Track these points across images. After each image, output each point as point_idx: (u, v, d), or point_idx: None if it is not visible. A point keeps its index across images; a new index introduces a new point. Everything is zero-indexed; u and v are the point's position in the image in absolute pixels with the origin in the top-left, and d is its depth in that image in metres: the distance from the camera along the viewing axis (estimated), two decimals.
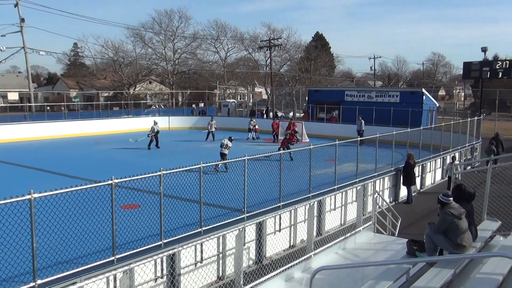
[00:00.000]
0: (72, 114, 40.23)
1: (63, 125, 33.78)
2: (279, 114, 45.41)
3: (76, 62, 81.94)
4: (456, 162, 21.01)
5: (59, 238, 8.27)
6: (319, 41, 76.80)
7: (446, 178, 20.38)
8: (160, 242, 8.94)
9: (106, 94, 64.93)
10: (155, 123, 26.27)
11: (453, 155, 22.41)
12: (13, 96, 77.86)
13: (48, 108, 46.76)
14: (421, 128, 21.25)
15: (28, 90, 50.94)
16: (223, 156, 18.84)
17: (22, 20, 45.25)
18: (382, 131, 18.52)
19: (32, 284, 7.09)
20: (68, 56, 79.92)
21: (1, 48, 44.95)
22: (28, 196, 6.96)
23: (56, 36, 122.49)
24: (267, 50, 58.98)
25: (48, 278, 7.30)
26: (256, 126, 32.73)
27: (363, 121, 29.10)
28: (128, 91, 63.57)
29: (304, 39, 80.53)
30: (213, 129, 30.66)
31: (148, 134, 25.88)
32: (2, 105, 59.57)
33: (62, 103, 42.79)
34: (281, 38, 63.71)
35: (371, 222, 12.03)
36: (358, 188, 14.36)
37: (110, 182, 8.10)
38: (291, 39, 69.94)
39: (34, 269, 7.13)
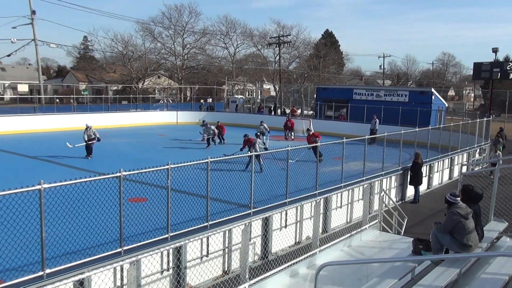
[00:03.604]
0: (81, 107, 40.39)
1: (72, 118, 33.94)
2: (287, 111, 45.35)
3: (85, 55, 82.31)
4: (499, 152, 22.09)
5: (67, 229, 8.36)
6: (328, 38, 76.67)
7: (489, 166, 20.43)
8: (167, 235, 9.01)
9: (115, 88, 65.23)
10: (88, 127, 20.63)
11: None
12: (23, 88, 78.30)
13: (58, 100, 47.08)
14: (430, 128, 21.17)
15: (38, 82, 51.22)
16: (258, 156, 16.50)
17: (33, 12, 45.45)
18: (390, 130, 18.50)
19: (40, 273, 7.18)
20: (77, 49, 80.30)
21: (12, 40, 45.19)
22: (38, 187, 7.04)
23: (66, 29, 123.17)
24: (276, 46, 58.99)
25: (56, 268, 7.39)
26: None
27: (377, 121, 28.97)
28: (137, 85, 63.74)
29: (313, 37, 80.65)
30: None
31: (86, 141, 20.58)
32: (12, 96, 60.05)
33: (71, 96, 42.98)
34: (290, 35, 63.79)
35: (377, 221, 12.06)
36: (365, 186, 14.36)
37: (118, 174, 8.17)
38: (300, 36, 69.87)
39: (43, 259, 7.22)
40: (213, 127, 25.53)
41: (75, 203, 8.32)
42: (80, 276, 7.02)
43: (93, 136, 20.63)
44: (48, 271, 7.24)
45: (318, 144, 15.65)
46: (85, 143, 20.55)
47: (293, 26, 69.53)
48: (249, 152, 18.93)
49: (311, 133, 23.00)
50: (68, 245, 8.27)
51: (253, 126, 35.89)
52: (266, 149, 18.61)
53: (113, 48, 67.61)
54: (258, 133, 22.82)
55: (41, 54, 48.97)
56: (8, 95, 66.64)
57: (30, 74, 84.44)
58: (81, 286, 7.37)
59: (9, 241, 8.31)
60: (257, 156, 16.77)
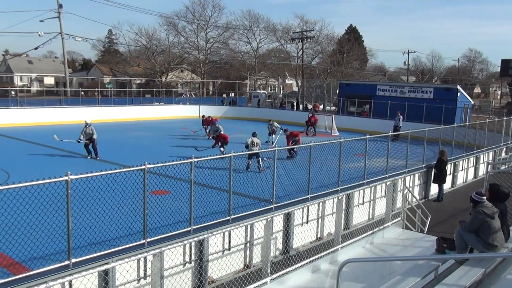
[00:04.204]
0: (105, 100, 40.97)
1: (96, 110, 34.49)
2: (309, 106, 45.18)
3: (110, 48, 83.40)
4: None
5: (92, 219, 8.50)
6: (352, 34, 75.90)
7: None
8: (190, 228, 9.09)
9: (138, 81, 65.97)
10: (87, 124, 19.30)
11: None
12: (49, 80, 79.89)
13: (83, 93, 47.85)
14: (455, 125, 20.84)
15: (63, 75, 52.06)
16: (255, 155, 16.78)
17: (60, 6, 46.11)
18: (414, 127, 18.26)
19: (66, 262, 7.33)
20: (102, 43, 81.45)
21: (39, 33, 45.98)
22: (65, 178, 7.17)
23: (91, 22, 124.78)
24: (299, 42, 58.67)
25: (81, 257, 7.52)
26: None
27: (401, 117, 28.65)
28: (160, 79, 64.27)
29: (337, 32, 79.93)
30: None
31: (79, 139, 19.20)
32: (39, 89, 61.18)
33: (96, 89, 43.61)
34: (313, 30, 63.33)
35: (400, 218, 11.95)
36: (388, 183, 14.23)
37: (143, 167, 8.27)
38: (323, 31, 69.36)
39: (69, 249, 7.36)
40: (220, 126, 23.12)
41: (100, 194, 8.46)
42: (106, 266, 7.15)
43: (91, 134, 18.99)
44: (74, 260, 7.38)
45: (296, 146, 15.68)
46: (78, 141, 19.09)
47: (316, 21, 68.90)
48: (221, 149, 19.07)
49: (288, 133, 21.39)
50: (93, 236, 8.42)
51: (276, 121, 35.93)
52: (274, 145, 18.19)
53: (137, 42, 68.40)
54: (270, 131, 22.47)
55: (67, 47, 49.72)
56: (35, 88, 67.89)
57: (56, 67, 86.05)
58: (106, 276, 7.50)
59: (37, 230, 8.52)
60: (256, 156, 16.88)
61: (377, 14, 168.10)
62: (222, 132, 21.13)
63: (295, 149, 17.18)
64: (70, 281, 7.17)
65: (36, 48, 55.43)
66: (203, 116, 27.48)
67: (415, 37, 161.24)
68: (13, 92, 39.75)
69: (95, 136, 18.96)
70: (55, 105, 35.10)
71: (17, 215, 7.70)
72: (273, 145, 20.54)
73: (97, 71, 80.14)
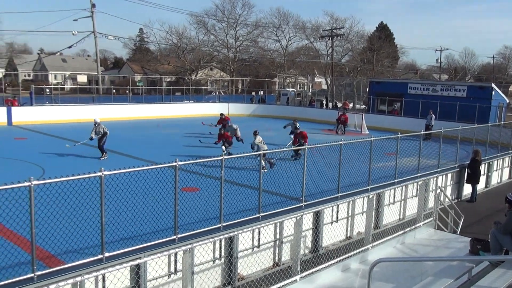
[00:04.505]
0: (136, 98, 41.54)
1: (128, 108, 35.04)
2: (339, 105, 44.81)
3: (141, 47, 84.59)
4: None
5: (125, 214, 8.66)
6: (383, 31, 74.91)
7: None
8: (219, 225, 9.17)
9: (168, 79, 66.70)
10: (97, 123, 18.55)
11: None
12: (82, 78, 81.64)
13: (114, 91, 48.62)
14: (489, 124, 20.36)
15: (96, 73, 53.11)
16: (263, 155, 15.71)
17: (93, 5, 46.99)
18: (446, 126, 17.94)
19: (100, 256, 7.50)
20: (133, 41, 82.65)
21: (73, 32, 46.98)
22: (99, 173, 7.33)
23: (122, 21, 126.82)
24: (328, 39, 58.21)
25: (114, 252, 7.68)
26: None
27: (433, 116, 28.15)
28: (190, 77, 64.82)
29: (367, 29, 78.93)
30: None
31: (91, 138, 18.46)
32: (72, 86, 62.63)
33: (127, 87, 44.27)
34: (343, 27, 62.79)
35: (432, 219, 11.76)
36: (420, 183, 14.02)
37: (174, 164, 8.38)
38: (354, 29, 68.67)
39: (102, 243, 7.53)
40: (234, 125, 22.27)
41: (132, 190, 8.61)
42: (138, 261, 7.29)
43: (102, 132, 18.32)
44: (107, 254, 7.55)
45: (300, 148, 14.97)
46: (90, 139, 18.35)
47: (346, 19, 68.49)
48: (223, 147, 18.65)
49: (298, 131, 19.98)
50: (125, 231, 8.57)
51: (304, 120, 35.82)
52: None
53: (168, 40, 69.22)
54: (293, 130, 21.33)
55: (99, 46, 50.63)
56: (68, 85, 69.48)
57: (89, 65, 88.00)
58: (138, 270, 7.65)
59: (72, 224, 8.75)
60: (263, 155, 16.18)
61: (408, 11, 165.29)
62: (239, 133, 21.06)
63: (299, 151, 16.47)
64: (104, 275, 7.33)
65: (70, 47, 56.61)
66: (221, 114, 26.94)
67: (447, 34, 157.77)
68: (47, 90, 40.82)
69: (108, 133, 18.40)
70: (88, 103, 35.82)
71: (53, 210, 7.91)
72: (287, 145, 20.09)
73: (128, 69, 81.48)
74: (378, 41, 68.97)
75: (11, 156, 17.82)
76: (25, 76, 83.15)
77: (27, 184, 6.57)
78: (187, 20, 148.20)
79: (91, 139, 18.23)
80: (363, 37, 71.59)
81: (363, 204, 12.70)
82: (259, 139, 16.98)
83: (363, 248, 9.93)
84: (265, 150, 15.15)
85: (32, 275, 6.77)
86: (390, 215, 13.75)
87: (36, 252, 6.84)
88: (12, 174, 13.10)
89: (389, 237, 10.62)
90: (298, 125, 22.82)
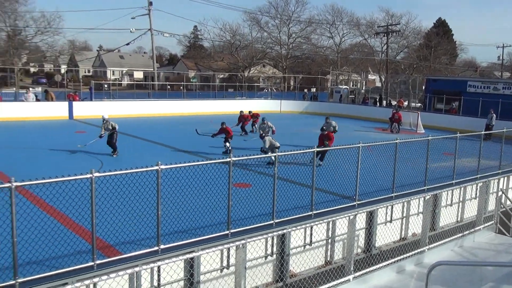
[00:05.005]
0: (190, 94, 42.35)
1: (182, 104, 35.77)
2: (393, 103, 43.79)
3: (195, 44, 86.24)
4: None
5: (180, 208, 8.83)
6: (441, 27, 72.34)
7: None
8: (272, 222, 9.18)
9: (221, 76, 67.57)
10: (105, 120, 18.04)
11: None
12: (138, 74, 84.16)
13: (169, 87, 49.81)
14: None
15: (151, 69, 54.56)
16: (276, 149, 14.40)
17: (150, 3, 48.30)
18: (508, 126, 17.14)
19: (155, 248, 7.70)
20: (188, 38, 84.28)
21: (131, 29, 48.51)
22: (156, 167, 7.51)
23: (177, 18, 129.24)
24: (384, 36, 57.01)
25: (169, 244, 7.86)
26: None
27: (494, 115, 27.00)
28: (243, 74, 65.38)
29: (424, 25, 76.63)
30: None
31: (101, 135, 18.11)
32: (129, 82, 64.62)
33: (181, 83, 45.18)
34: (399, 23, 61.29)
35: (492, 222, 11.29)
36: (480, 185, 13.47)
37: (228, 160, 8.46)
38: (410, 25, 67.02)
39: (158, 235, 7.72)
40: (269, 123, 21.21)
41: (187, 184, 8.76)
42: (193, 254, 7.42)
43: (111, 129, 17.80)
44: (162, 246, 7.74)
45: (324, 149, 14.22)
46: (100, 136, 18.00)
47: (402, 15, 66.58)
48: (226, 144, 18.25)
49: (326, 133, 17.19)
50: (180, 224, 8.75)
51: (357, 117, 35.31)
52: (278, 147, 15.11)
53: (221, 37, 70.12)
54: (325, 128, 19.18)
55: (155, 43, 51.94)
56: (125, 81, 71.74)
57: (145, 62, 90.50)
58: (192, 263, 7.79)
59: (129, 215, 9.03)
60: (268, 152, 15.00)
61: (469, 5, 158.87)
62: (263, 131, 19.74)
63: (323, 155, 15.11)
64: (159, 266, 7.52)
65: (127, 44, 58.89)
66: (241, 112, 26.23)
67: (510, 30, 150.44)
68: (106, 86, 42.33)
69: (117, 128, 17.95)
70: (144, 98, 36.87)
71: (113, 201, 8.19)
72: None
73: (183, 66, 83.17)
74: (435, 37, 66.65)
75: (72, 148, 18.58)
76: (85, 72, 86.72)
77: (89, 176, 6.83)
78: (240, 17, 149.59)
79: (101, 136, 18.10)
80: (419, 34, 69.62)
81: (419, 204, 12.35)
82: (269, 139, 16.06)
83: (419, 250, 9.66)
84: (277, 147, 14.66)
85: (92, 263, 7.04)
86: (447, 217, 13.30)
87: (95, 241, 7.11)
88: (73, 166, 13.70)
89: (446, 240, 10.27)
90: (334, 123, 21.35)
